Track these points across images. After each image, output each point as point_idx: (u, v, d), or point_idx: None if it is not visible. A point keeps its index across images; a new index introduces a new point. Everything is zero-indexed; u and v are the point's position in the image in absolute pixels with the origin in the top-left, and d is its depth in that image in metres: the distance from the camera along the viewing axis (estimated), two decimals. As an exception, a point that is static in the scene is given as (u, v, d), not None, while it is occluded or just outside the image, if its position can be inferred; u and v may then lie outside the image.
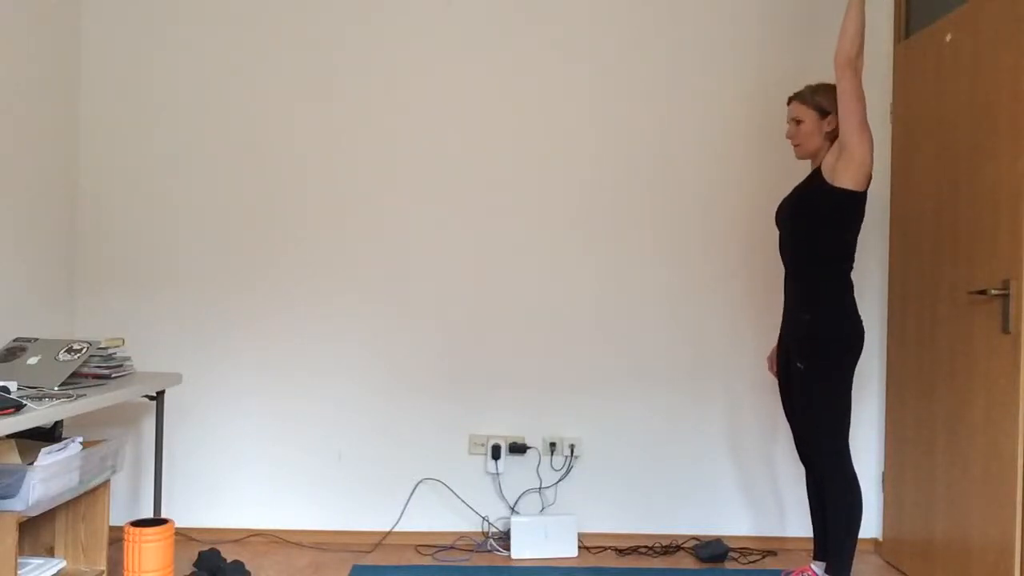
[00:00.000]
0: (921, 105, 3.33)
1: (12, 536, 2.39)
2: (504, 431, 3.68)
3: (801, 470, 3.66)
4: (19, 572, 2.66)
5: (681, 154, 3.68)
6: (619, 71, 3.67)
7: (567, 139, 3.68)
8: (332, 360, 3.67)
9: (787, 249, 3.00)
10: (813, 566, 3.07)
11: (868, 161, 2.80)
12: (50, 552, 2.93)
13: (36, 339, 3.02)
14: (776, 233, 3.63)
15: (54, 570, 2.77)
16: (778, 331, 3.53)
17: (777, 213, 3.08)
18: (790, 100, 3.02)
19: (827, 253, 2.87)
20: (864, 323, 3.64)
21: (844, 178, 2.80)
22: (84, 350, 2.90)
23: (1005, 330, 2.73)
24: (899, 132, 3.52)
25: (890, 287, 3.58)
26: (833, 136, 2.92)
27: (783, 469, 3.68)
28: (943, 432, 3.10)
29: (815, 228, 2.89)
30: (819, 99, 2.93)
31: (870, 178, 2.85)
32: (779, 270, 3.66)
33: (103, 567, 2.93)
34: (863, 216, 2.89)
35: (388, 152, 3.68)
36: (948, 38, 3.13)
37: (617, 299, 3.67)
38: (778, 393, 3.64)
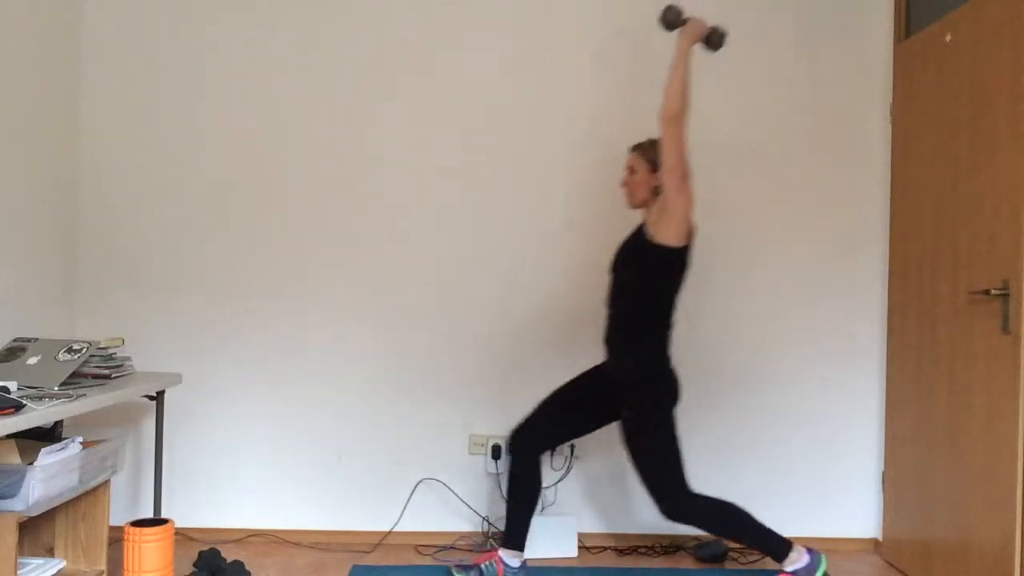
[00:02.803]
0: (921, 105, 3.33)
1: (12, 536, 2.39)
2: (504, 431, 3.68)
3: (798, 470, 3.67)
4: (19, 572, 2.66)
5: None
6: (604, 73, 3.68)
7: (568, 139, 3.68)
8: (332, 360, 3.67)
9: (611, 298, 3.03)
10: (501, 552, 3.09)
11: (688, 217, 2.84)
12: (50, 552, 2.93)
13: (36, 339, 3.02)
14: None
15: (54, 570, 2.77)
16: (776, 330, 3.54)
17: (611, 262, 3.10)
18: (631, 149, 3.05)
19: (647, 305, 2.91)
20: (864, 323, 3.67)
21: (665, 234, 2.84)
22: (84, 350, 2.90)
23: (1005, 330, 2.73)
24: (899, 132, 3.52)
25: (890, 287, 3.58)
26: (659, 191, 2.94)
27: (780, 468, 3.68)
28: (943, 432, 3.10)
29: (636, 281, 2.93)
30: (653, 153, 2.96)
31: (692, 233, 2.90)
32: (762, 250, 3.66)
33: (103, 567, 2.93)
34: (686, 267, 2.93)
35: (389, 153, 3.68)
36: (948, 38, 3.13)
37: (617, 299, 3.67)
38: (773, 393, 3.65)
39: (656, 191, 2.94)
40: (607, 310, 3.04)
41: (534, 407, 3.15)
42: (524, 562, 3.10)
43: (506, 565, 3.07)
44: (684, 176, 2.80)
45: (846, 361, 3.68)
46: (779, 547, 2.88)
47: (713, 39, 2.94)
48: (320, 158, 3.68)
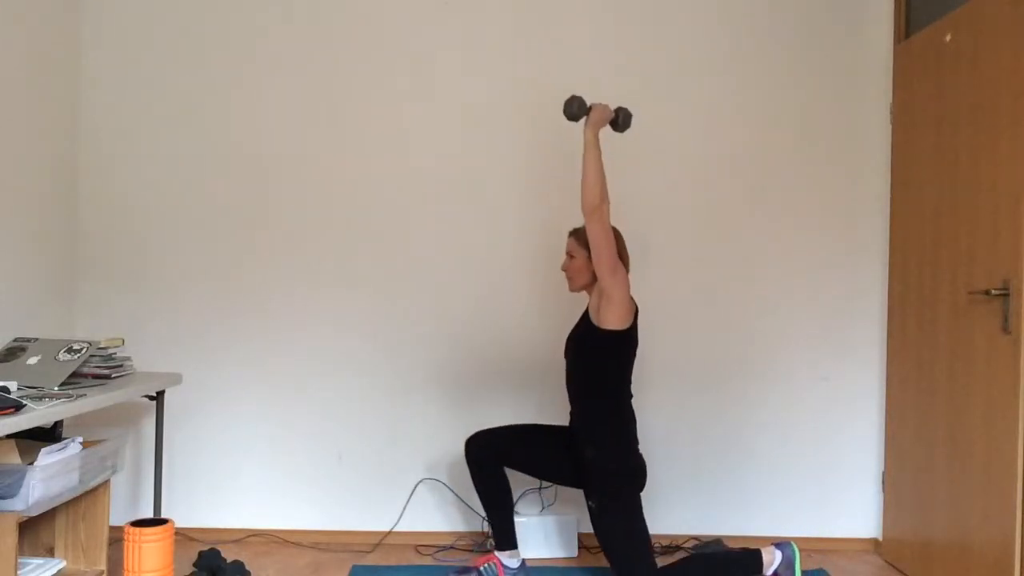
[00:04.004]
0: (921, 105, 3.33)
1: (12, 536, 2.39)
2: (504, 431, 3.68)
3: (798, 470, 3.67)
4: (19, 572, 2.66)
5: (676, 147, 3.68)
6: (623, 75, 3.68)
7: (567, 139, 3.68)
8: (333, 360, 3.67)
9: (568, 382, 3.04)
10: (498, 554, 3.10)
11: (626, 301, 2.84)
12: (50, 552, 2.93)
13: (36, 339, 3.02)
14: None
15: (54, 570, 2.77)
16: (776, 330, 3.54)
17: (565, 346, 3.11)
18: (569, 235, 3.05)
19: (601, 389, 2.92)
20: (864, 323, 3.67)
21: (607, 319, 2.84)
22: (84, 350, 2.90)
23: (1005, 330, 2.73)
24: (899, 132, 3.52)
25: (890, 287, 3.58)
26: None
27: (779, 468, 3.68)
28: (943, 432, 3.10)
29: (589, 366, 2.93)
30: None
31: (634, 313, 2.90)
32: (762, 250, 3.67)
33: (103, 567, 2.93)
34: (634, 348, 2.94)
35: (389, 153, 3.68)
36: (948, 38, 3.13)
37: (617, 299, 3.67)
38: (773, 393, 3.65)
39: (595, 276, 2.92)
40: (568, 392, 3.04)
41: (505, 427, 3.16)
42: (523, 561, 3.10)
43: (505, 566, 3.07)
44: (615, 263, 2.80)
45: (846, 361, 3.68)
46: (752, 561, 2.89)
47: (619, 120, 2.94)
48: (320, 159, 3.68)
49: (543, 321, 3.68)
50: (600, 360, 2.91)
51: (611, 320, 2.84)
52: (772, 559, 2.88)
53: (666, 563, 2.88)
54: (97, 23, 3.66)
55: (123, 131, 3.67)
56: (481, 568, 3.07)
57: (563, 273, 3.27)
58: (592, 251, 2.81)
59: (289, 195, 3.67)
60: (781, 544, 2.91)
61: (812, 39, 3.68)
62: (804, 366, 3.68)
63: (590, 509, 2.91)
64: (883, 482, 3.61)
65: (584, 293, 3.08)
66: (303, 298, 3.67)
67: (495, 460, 3.09)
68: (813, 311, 3.68)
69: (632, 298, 2.89)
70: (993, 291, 2.76)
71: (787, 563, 2.88)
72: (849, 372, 3.68)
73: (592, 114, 2.85)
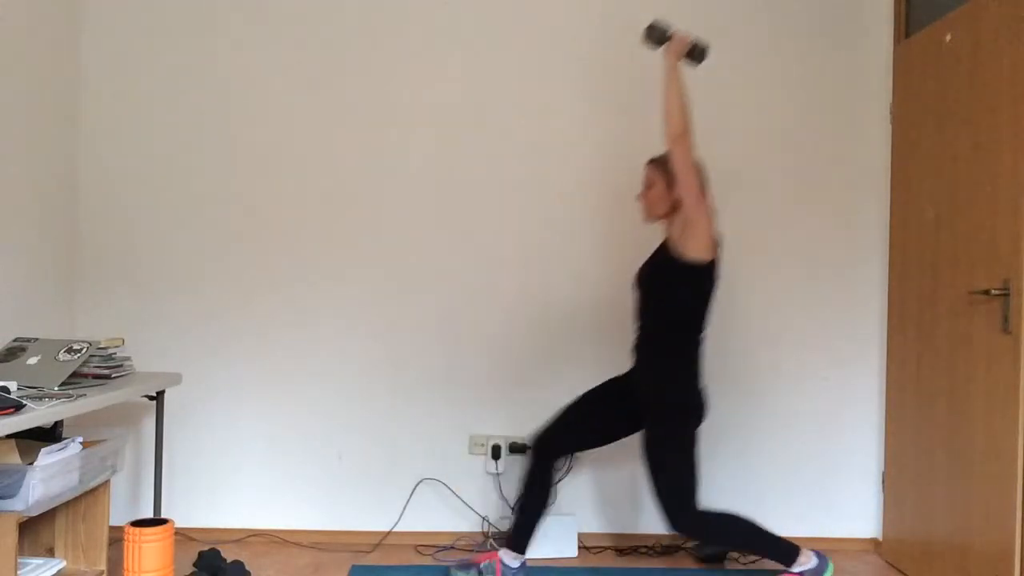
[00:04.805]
0: (921, 105, 3.33)
1: (12, 536, 2.39)
2: (504, 431, 3.68)
3: (798, 470, 3.67)
4: (19, 572, 2.66)
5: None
6: (600, 76, 3.68)
7: (567, 140, 3.68)
8: (333, 360, 3.67)
9: (639, 314, 3.02)
10: (501, 552, 3.09)
11: (710, 231, 2.83)
12: (50, 552, 2.92)
13: (36, 339, 3.02)
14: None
15: (54, 570, 2.77)
16: (776, 330, 3.54)
17: (636, 275, 3.09)
18: (648, 163, 3.04)
19: (677, 322, 2.90)
20: (864, 323, 3.67)
21: (689, 249, 2.83)
22: (84, 350, 2.89)
23: (1005, 330, 2.73)
24: (899, 132, 3.52)
25: (890, 287, 3.58)
26: (678, 206, 2.92)
27: (780, 469, 3.68)
28: (943, 432, 3.10)
29: (663, 297, 2.92)
30: (671, 168, 2.94)
31: (717, 246, 2.88)
32: (762, 250, 3.67)
33: (103, 567, 2.93)
34: (714, 283, 2.92)
35: (389, 153, 3.68)
36: (948, 38, 3.13)
37: (618, 299, 3.67)
38: (773, 393, 3.65)
39: (675, 206, 2.93)
40: (636, 324, 3.03)
41: (560, 411, 3.14)
42: (524, 563, 3.10)
43: (505, 565, 3.07)
44: (701, 192, 2.80)
45: (846, 361, 3.68)
46: (788, 551, 2.90)
47: (696, 53, 2.93)
48: (320, 159, 3.68)
49: (545, 320, 3.68)
50: (678, 291, 2.88)
51: (694, 250, 2.82)
52: (807, 561, 2.91)
53: (709, 509, 2.90)
54: (97, 24, 3.66)
55: (123, 131, 3.66)
56: (481, 565, 3.07)
57: (639, 203, 3.22)
58: (678, 179, 2.79)
59: (289, 195, 3.67)
60: (822, 555, 2.93)
61: (812, 39, 3.68)
62: (804, 366, 3.68)
63: (645, 436, 2.90)
64: (883, 482, 3.61)
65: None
66: (303, 298, 3.67)
67: (559, 454, 3.07)
68: (813, 311, 3.68)
69: (715, 233, 2.85)
70: (993, 291, 2.76)
71: (816, 572, 2.89)
72: (849, 372, 3.68)
73: (672, 42, 2.85)
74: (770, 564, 3.46)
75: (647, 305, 2.98)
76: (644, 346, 2.99)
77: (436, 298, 3.68)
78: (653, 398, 2.91)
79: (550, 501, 3.09)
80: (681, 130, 2.77)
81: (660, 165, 2.98)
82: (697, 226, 2.81)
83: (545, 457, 3.07)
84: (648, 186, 3.00)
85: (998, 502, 2.75)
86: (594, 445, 3.17)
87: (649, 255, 3.07)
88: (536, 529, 3.09)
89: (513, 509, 3.09)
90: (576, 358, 3.67)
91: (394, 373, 3.68)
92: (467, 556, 3.46)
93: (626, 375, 3.13)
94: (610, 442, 3.15)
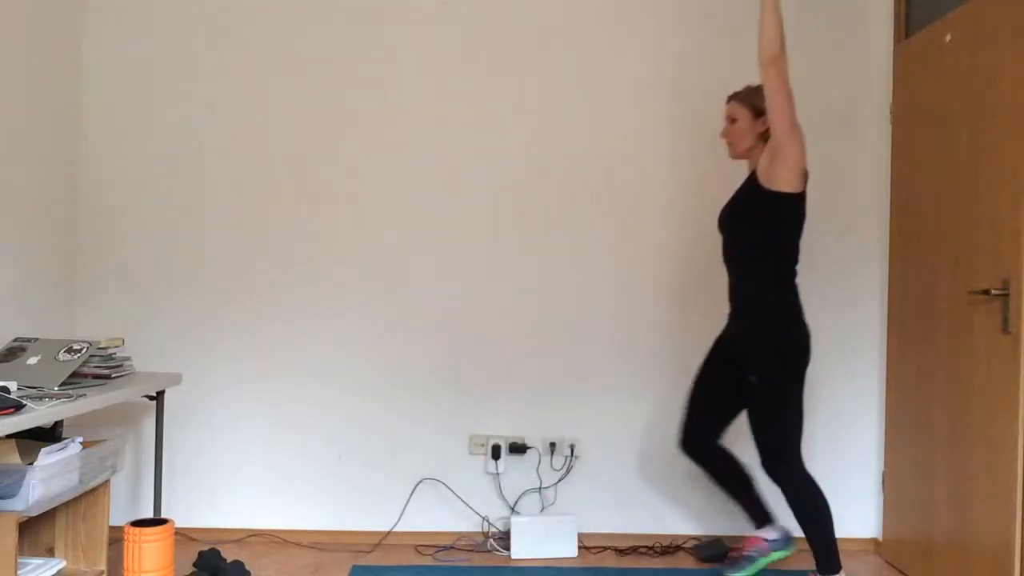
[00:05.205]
0: (921, 105, 3.33)
1: (12, 536, 2.39)
2: (504, 431, 3.68)
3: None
4: (19, 572, 2.66)
5: (675, 146, 3.68)
6: (587, 74, 3.68)
7: (566, 141, 3.68)
8: (332, 360, 3.67)
9: (729, 255, 2.98)
10: (758, 532, 3.08)
11: (802, 161, 2.77)
12: (50, 552, 2.92)
13: (36, 339, 3.02)
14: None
15: (54, 570, 2.77)
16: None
17: (719, 219, 3.06)
18: (729, 99, 3.01)
19: (769, 257, 2.85)
20: (864, 323, 3.67)
21: (779, 180, 2.78)
22: (84, 350, 2.89)
23: (1005, 330, 2.73)
24: (899, 132, 3.52)
25: (890, 287, 3.58)
26: (766, 137, 2.88)
27: (783, 469, 3.68)
28: (943, 432, 3.10)
29: (755, 233, 2.87)
30: (755, 99, 2.92)
31: (806, 177, 2.83)
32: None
33: (103, 567, 2.93)
34: (804, 216, 2.87)
35: (389, 154, 3.68)
36: (948, 38, 3.13)
37: (618, 299, 3.67)
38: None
39: (762, 137, 2.88)
40: (727, 269, 2.98)
41: (686, 404, 3.14)
42: (776, 523, 3.05)
43: (768, 541, 3.03)
44: (793, 119, 2.74)
45: (846, 361, 3.68)
46: (833, 560, 2.88)
47: None
48: (320, 158, 3.68)
49: (544, 321, 3.68)
50: (768, 223, 2.83)
51: (784, 180, 2.77)
52: None
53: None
54: (98, 23, 3.66)
55: (123, 132, 3.66)
56: (748, 553, 3.03)
57: (723, 141, 3.16)
58: (769, 105, 2.75)
59: (289, 194, 3.67)
60: None
61: (812, 39, 3.68)
62: (804, 366, 3.68)
63: (748, 384, 2.87)
64: (883, 482, 3.61)
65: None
66: (303, 297, 3.67)
67: (711, 443, 3.07)
68: (813, 311, 3.67)
69: (805, 163, 2.79)
70: (993, 291, 2.76)
71: None
72: (849, 372, 3.68)
73: None
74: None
75: (737, 245, 2.92)
76: (740, 289, 2.94)
77: (436, 298, 3.68)
78: (757, 341, 2.85)
79: (744, 470, 3.07)
80: (776, 52, 2.71)
81: (742, 98, 2.94)
82: (788, 154, 2.74)
83: (702, 456, 3.07)
84: (731, 121, 2.96)
85: (998, 502, 2.75)
86: (734, 416, 3.11)
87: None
88: (759, 495, 3.07)
89: (734, 500, 3.10)
90: (576, 358, 3.67)
91: (394, 373, 3.68)
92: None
93: (725, 330, 3.06)
94: (741, 410, 3.10)
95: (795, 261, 2.87)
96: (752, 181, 2.88)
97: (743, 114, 2.93)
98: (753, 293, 2.89)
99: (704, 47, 3.68)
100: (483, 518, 3.67)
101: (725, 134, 3.00)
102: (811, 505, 2.87)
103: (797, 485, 2.86)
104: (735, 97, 2.98)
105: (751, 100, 2.92)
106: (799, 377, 2.83)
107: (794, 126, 2.75)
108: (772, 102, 2.74)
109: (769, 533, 3.04)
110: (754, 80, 3.32)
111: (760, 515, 3.10)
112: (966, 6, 3.02)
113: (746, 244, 2.89)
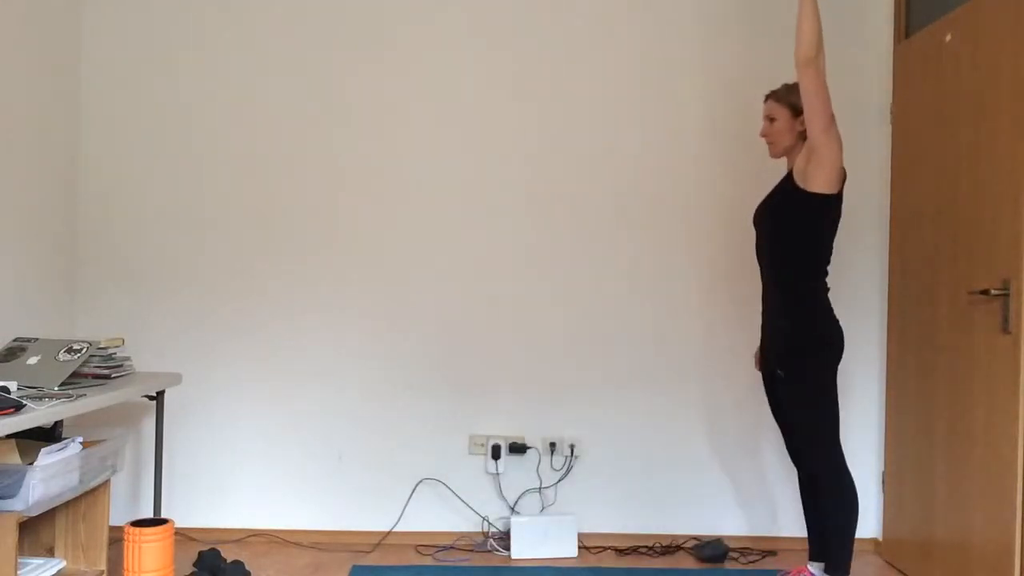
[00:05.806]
0: (921, 105, 3.33)
1: (12, 536, 2.39)
2: (504, 431, 3.68)
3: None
4: (19, 572, 2.66)
5: (666, 160, 3.68)
6: (603, 74, 3.68)
7: (565, 142, 3.68)
8: (332, 360, 3.67)
9: (762, 253, 2.99)
10: (810, 567, 3.06)
11: (838, 162, 2.78)
12: (50, 552, 2.92)
13: (36, 339, 3.02)
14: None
15: (54, 570, 2.77)
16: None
17: (754, 216, 3.07)
18: (767, 98, 3.00)
19: (802, 257, 2.86)
20: (864, 322, 3.67)
21: (815, 181, 2.78)
22: (84, 350, 2.90)
23: (1005, 330, 2.73)
24: (899, 132, 3.52)
25: (890, 287, 3.58)
26: (806, 136, 2.87)
27: (782, 469, 3.68)
28: (943, 432, 3.10)
29: (789, 232, 2.87)
30: (793, 97, 2.91)
31: (843, 178, 2.84)
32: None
33: (103, 567, 2.93)
34: (839, 217, 2.87)
35: (389, 155, 3.68)
36: (948, 38, 3.13)
37: (618, 300, 3.67)
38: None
39: (802, 136, 2.88)
40: (760, 265, 2.99)
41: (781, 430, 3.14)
42: None
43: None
44: (830, 118, 2.74)
45: (846, 361, 3.67)
46: (843, 563, 2.85)
47: None
48: (320, 160, 3.68)
49: (544, 321, 3.68)
50: (803, 224, 2.83)
51: (820, 181, 2.77)
52: None
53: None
54: (98, 23, 3.66)
55: (123, 131, 3.66)
56: None
57: (763, 140, 3.16)
58: (805, 106, 2.75)
59: (288, 194, 3.67)
60: None
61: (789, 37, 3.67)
62: (804, 366, 3.68)
63: (778, 378, 2.88)
64: (883, 482, 3.61)
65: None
66: (303, 298, 3.67)
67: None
68: (813, 311, 3.68)
69: (842, 164, 2.79)
70: (993, 291, 2.76)
71: None
72: (849, 372, 3.68)
73: None
74: (771, 563, 3.46)
75: (770, 243, 2.93)
76: (770, 285, 2.95)
77: (436, 298, 3.68)
78: (790, 339, 2.85)
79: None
80: (813, 53, 2.71)
81: (780, 97, 2.94)
82: (824, 155, 2.75)
83: (799, 466, 3.06)
84: (769, 121, 2.96)
85: (998, 502, 2.75)
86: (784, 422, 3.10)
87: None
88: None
89: (808, 518, 3.08)
90: (576, 358, 3.67)
91: (394, 373, 3.67)
92: (465, 560, 3.45)
93: (762, 340, 3.04)
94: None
95: (827, 260, 2.89)
96: (789, 181, 2.89)
97: (782, 113, 2.93)
98: (784, 292, 2.91)
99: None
100: (483, 518, 3.67)
101: (764, 133, 2.99)
102: (843, 499, 2.85)
103: (837, 479, 2.85)
104: (773, 96, 2.97)
105: (789, 98, 2.92)
106: (829, 372, 2.84)
107: (830, 127, 2.75)
108: (808, 103, 2.75)
109: (817, 569, 3.05)
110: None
111: (819, 549, 3.07)
112: (966, 6, 3.02)
113: (779, 242, 2.91)
